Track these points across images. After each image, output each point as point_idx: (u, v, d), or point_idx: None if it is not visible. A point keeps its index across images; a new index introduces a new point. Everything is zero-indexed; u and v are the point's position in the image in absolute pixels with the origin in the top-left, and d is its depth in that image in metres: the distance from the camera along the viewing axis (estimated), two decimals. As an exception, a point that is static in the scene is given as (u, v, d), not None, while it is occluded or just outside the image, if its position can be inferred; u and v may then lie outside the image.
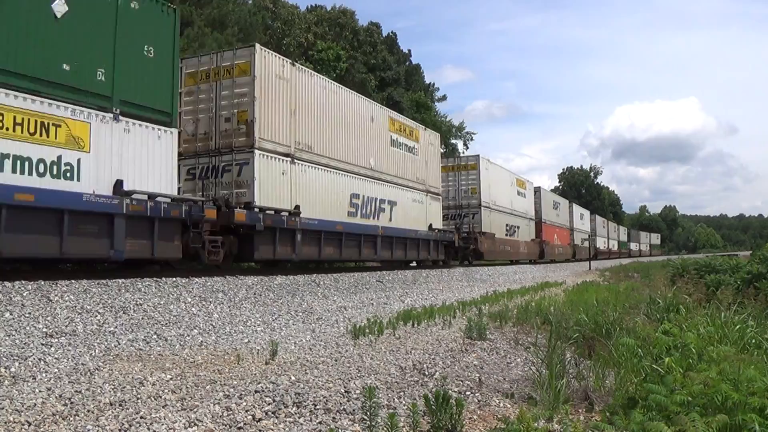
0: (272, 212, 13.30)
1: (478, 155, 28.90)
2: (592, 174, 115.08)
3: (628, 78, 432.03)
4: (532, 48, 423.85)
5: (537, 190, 38.99)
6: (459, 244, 24.63)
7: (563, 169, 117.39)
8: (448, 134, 49.81)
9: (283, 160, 14.00)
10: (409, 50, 54.96)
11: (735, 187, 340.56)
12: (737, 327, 6.51)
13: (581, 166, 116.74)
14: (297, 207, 14.15)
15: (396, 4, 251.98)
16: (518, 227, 33.20)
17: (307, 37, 39.90)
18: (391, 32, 50.12)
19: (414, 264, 23.21)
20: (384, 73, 44.37)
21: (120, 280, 9.30)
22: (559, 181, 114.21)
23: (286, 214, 13.78)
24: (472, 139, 57.38)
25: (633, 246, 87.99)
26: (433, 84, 56.46)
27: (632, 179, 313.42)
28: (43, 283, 8.21)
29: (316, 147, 15.34)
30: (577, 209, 55.43)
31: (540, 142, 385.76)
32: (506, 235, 30.91)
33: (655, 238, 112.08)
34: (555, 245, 42.45)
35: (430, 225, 21.80)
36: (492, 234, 27.98)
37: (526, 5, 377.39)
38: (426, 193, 21.91)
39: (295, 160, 14.43)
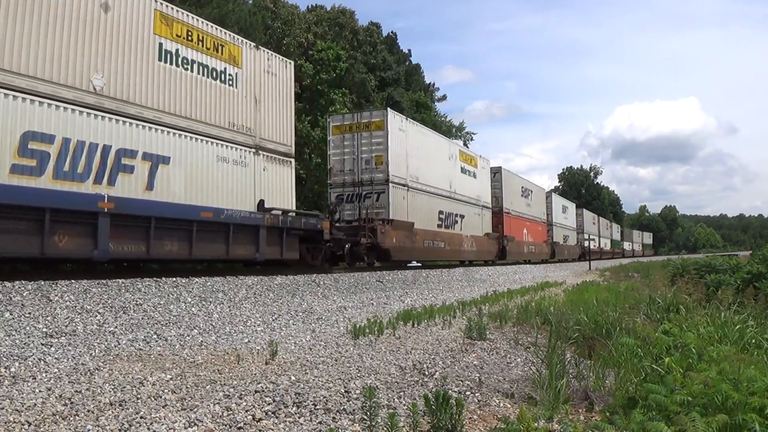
0: None
1: (387, 108, 20.11)
2: (592, 174, 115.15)
3: (628, 78, 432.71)
4: (532, 48, 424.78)
5: (497, 171, 30.54)
6: (334, 236, 16.29)
7: (563, 169, 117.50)
8: (449, 134, 49.75)
9: None
10: (409, 50, 55.03)
11: (735, 187, 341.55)
12: (737, 327, 6.51)
13: (581, 166, 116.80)
14: None
15: (396, 4, 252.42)
16: (462, 217, 24.78)
17: (307, 37, 39.86)
18: (391, 32, 50.16)
19: (415, 264, 23.06)
20: (384, 73, 44.33)
21: (120, 280, 9.31)
22: (559, 181, 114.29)
23: None
24: (472, 139, 57.38)
25: (626, 245, 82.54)
26: (433, 84, 56.52)
27: (632, 179, 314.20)
28: (43, 283, 8.22)
29: None
30: (558, 200, 46.51)
31: (540, 142, 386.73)
32: (441, 226, 22.73)
33: (648, 237, 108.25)
34: (524, 242, 34.27)
35: (261, 203, 13.59)
36: (408, 224, 19.69)
37: (526, 5, 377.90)
38: (255, 151, 13.72)
39: None
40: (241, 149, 13.39)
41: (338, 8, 44.39)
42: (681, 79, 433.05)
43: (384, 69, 44.57)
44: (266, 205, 13.75)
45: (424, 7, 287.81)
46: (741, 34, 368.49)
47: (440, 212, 22.93)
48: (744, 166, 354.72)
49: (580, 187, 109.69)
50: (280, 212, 14.14)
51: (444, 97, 59.74)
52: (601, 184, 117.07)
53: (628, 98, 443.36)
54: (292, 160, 15.28)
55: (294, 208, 15.14)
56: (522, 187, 35.70)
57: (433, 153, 22.51)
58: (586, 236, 52.93)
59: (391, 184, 18.88)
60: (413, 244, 20.04)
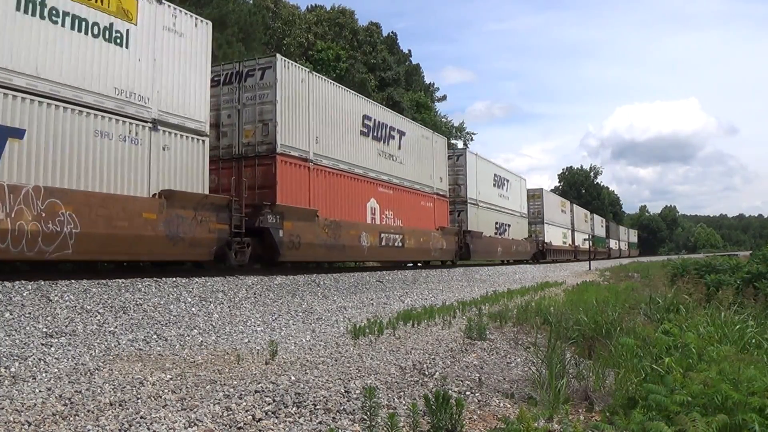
0: None
1: None
2: (592, 174, 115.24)
3: (628, 78, 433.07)
4: (532, 48, 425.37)
5: (269, 66, 14.18)
6: None
7: (563, 169, 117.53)
8: (449, 134, 49.81)
9: None
10: (409, 50, 55.21)
11: (735, 187, 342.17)
12: (737, 327, 6.52)
13: (581, 167, 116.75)
14: None
15: (396, 5, 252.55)
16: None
17: (308, 37, 39.91)
18: (391, 32, 50.24)
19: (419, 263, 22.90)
20: (384, 73, 44.38)
21: (120, 280, 9.31)
22: (559, 181, 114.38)
23: None
24: (471, 139, 57.51)
25: (613, 243, 69.13)
26: (433, 84, 56.61)
27: (632, 179, 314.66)
28: (43, 283, 8.22)
29: None
30: (485, 166, 29.16)
31: (540, 142, 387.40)
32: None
33: (633, 235, 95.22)
34: (372, 228, 17.55)
35: None
36: None
37: (526, 5, 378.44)
38: None
39: None
40: None
41: (338, 8, 44.47)
42: (681, 79, 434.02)
43: (384, 69, 44.61)
44: None
45: (424, 8, 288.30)
46: (741, 34, 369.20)
47: None
48: (744, 166, 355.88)
49: (580, 187, 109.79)
50: None
51: (444, 98, 59.90)
52: (601, 184, 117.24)
53: (628, 98, 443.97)
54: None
55: None
56: (377, 122, 18.65)
57: None
58: (557, 230, 40.43)
59: None
60: None
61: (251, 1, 35.99)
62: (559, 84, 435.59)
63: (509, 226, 31.85)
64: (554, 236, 40.55)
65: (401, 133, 20.55)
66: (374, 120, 18.68)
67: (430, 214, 22.22)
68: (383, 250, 18.26)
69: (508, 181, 32.56)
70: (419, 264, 23.15)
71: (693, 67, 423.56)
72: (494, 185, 30.11)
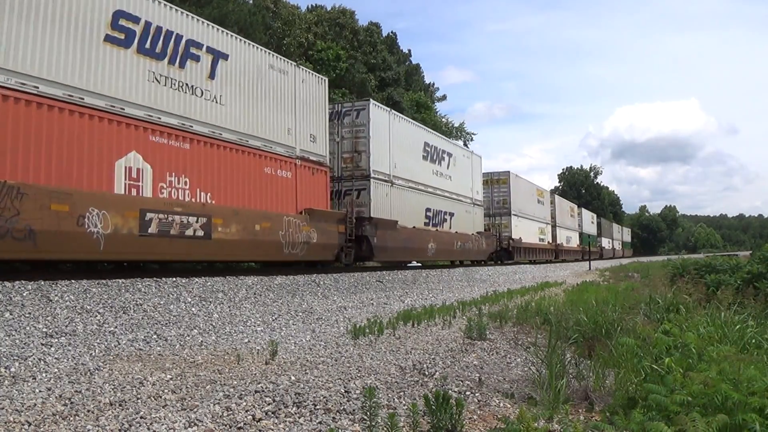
0: None
1: None
2: (592, 174, 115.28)
3: (628, 78, 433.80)
4: (532, 48, 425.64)
5: None
6: None
7: (563, 169, 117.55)
8: (449, 134, 49.78)
9: None
10: (409, 50, 55.17)
11: (735, 187, 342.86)
12: (737, 327, 6.52)
13: (581, 167, 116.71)
14: None
15: (396, 5, 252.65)
16: None
17: (308, 37, 39.90)
18: (391, 32, 50.24)
19: (416, 263, 22.87)
20: (384, 73, 44.37)
21: (120, 280, 9.31)
22: (559, 181, 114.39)
23: None
24: (471, 140, 57.44)
25: (605, 243, 62.14)
26: (433, 84, 56.65)
27: (632, 179, 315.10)
28: (43, 283, 8.22)
29: None
30: (407, 129, 20.81)
31: (540, 142, 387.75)
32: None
33: (626, 234, 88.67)
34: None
35: None
36: None
37: (527, 5, 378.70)
38: None
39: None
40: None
41: (338, 8, 44.48)
42: (681, 79, 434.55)
43: (384, 69, 44.62)
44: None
45: (425, 8, 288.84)
46: (741, 35, 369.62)
47: None
48: (744, 166, 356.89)
49: (580, 188, 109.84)
50: None
51: (444, 98, 59.88)
52: (601, 184, 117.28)
53: (628, 99, 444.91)
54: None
55: None
56: (150, 26, 10.90)
57: None
58: (532, 225, 33.29)
59: None
60: None
61: (251, 1, 35.98)
62: (559, 84, 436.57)
63: (452, 215, 23.88)
64: (526, 232, 33.34)
65: (217, 55, 12.67)
66: (145, 23, 10.93)
67: (288, 190, 14.40)
68: (157, 242, 10.62)
69: (450, 155, 24.20)
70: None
71: (693, 67, 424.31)
72: (425, 158, 22.00)
